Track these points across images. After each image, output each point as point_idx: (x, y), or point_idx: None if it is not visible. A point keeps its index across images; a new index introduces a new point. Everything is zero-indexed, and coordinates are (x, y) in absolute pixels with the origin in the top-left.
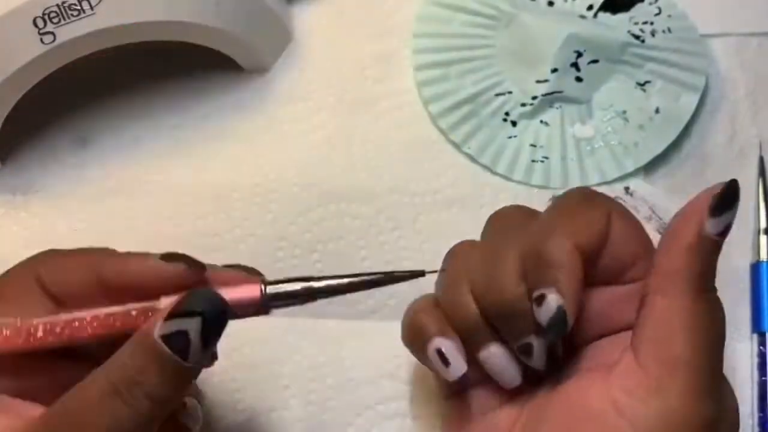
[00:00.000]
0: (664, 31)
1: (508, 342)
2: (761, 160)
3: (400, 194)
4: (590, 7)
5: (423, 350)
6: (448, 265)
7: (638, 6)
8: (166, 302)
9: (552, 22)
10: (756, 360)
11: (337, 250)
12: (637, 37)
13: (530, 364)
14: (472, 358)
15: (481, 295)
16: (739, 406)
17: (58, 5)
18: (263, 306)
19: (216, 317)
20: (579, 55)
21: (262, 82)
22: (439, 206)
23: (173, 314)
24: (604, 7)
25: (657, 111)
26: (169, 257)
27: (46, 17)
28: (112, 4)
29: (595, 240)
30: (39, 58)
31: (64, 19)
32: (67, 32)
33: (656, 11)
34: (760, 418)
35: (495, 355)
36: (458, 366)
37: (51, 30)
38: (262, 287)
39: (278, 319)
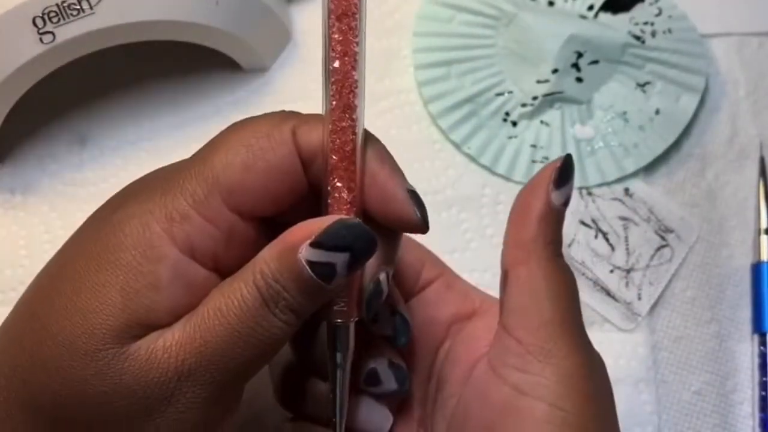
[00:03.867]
0: (664, 32)
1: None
2: (761, 160)
3: None
4: (591, 8)
5: None
6: None
7: (638, 7)
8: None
9: (553, 22)
10: (756, 360)
11: None
12: (637, 38)
13: (382, 390)
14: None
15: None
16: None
17: (57, 5)
18: (337, 324)
19: (365, 252)
20: (579, 55)
21: (262, 82)
22: (439, 206)
23: (322, 244)
24: (604, 8)
25: (657, 112)
26: (417, 202)
27: (45, 17)
28: (112, 4)
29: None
30: (38, 58)
31: (64, 19)
32: (67, 32)
33: (656, 12)
34: (761, 418)
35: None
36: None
37: (50, 30)
38: (357, 317)
39: None
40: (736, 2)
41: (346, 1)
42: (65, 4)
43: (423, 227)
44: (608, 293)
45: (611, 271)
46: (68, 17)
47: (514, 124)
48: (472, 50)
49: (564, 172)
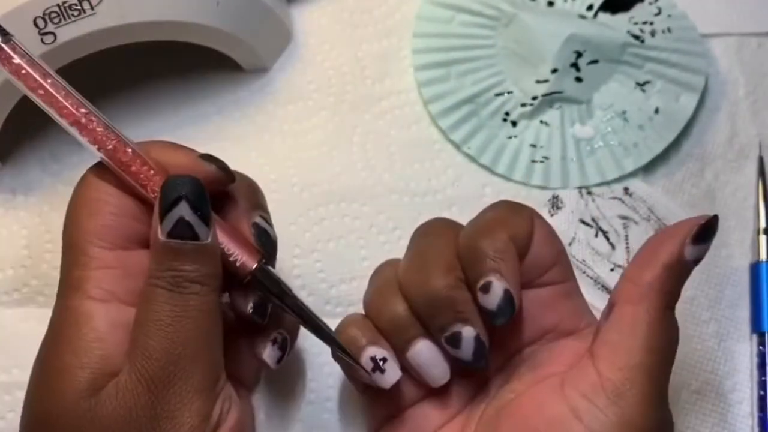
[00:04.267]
0: (663, 31)
1: (436, 338)
2: (761, 160)
3: (400, 194)
4: (590, 7)
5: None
6: (373, 278)
7: (638, 6)
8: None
9: (552, 22)
10: (756, 360)
11: (337, 249)
12: (636, 38)
13: (458, 356)
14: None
15: (409, 290)
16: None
17: (58, 5)
18: (251, 274)
19: (198, 193)
20: (579, 55)
21: (262, 82)
22: (439, 206)
23: (162, 210)
24: (604, 8)
25: (657, 111)
26: (207, 157)
27: (46, 17)
28: (113, 4)
29: (524, 238)
30: (39, 58)
31: (65, 19)
32: (68, 32)
33: (656, 11)
34: (760, 418)
35: (422, 349)
36: (392, 373)
37: (51, 30)
38: (261, 260)
39: None
40: (736, 2)
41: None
42: (66, 5)
43: (222, 175)
44: (608, 291)
45: (612, 270)
46: (69, 18)
47: (514, 124)
48: (472, 51)
49: (708, 230)
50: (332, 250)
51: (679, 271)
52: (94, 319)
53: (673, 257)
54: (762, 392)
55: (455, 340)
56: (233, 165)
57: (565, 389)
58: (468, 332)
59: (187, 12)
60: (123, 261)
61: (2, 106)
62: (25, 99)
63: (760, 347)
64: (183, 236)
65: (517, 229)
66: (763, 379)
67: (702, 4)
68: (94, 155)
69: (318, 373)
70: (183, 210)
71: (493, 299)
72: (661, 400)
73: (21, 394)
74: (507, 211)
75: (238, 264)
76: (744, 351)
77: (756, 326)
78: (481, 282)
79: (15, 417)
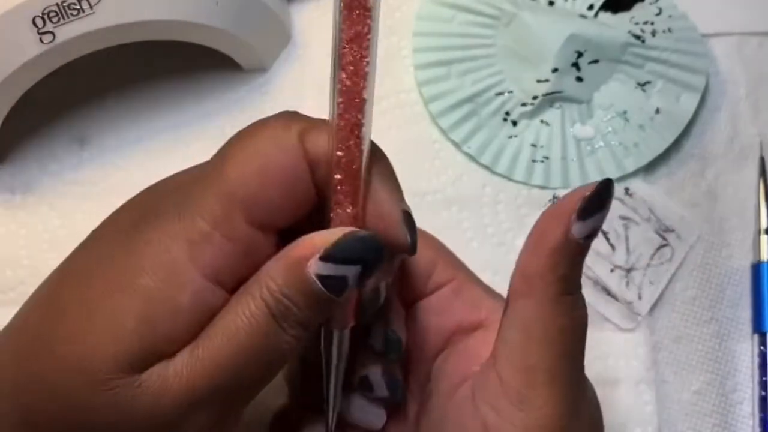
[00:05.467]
0: (664, 31)
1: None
2: (761, 160)
3: None
4: (591, 7)
5: None
6: None
7: (639, 6)
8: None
9: (553, 21)
10: (757, 360)
11: None
12: (637, 37)
13: (375, 396)
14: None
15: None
16: (597, 397)
17: (57, 5)
18: (336, 329)
19: (376, 263)
20: (580, 55)
21: (262, 82)
22: (439, 206)
23: (333, 257)
24: (604, 7)
25: (657, 111)
26: (407, 221)
27: (45, 17)
28: (112, 4)
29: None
30: (38, 58)
31: (64, 19)
32: (67, 32)
33: (657, 11)
34: (761, 418)
35: (352, 403)
36: None
37: (50, 29)
38: (354, 323)
39: None
40: (737, 2)
41: (359, 25)
42: (65, 4)
43: (411, 250)
44: (609, 293)
45: (612, 271)
46: (68, 17)
47: (514, 123)
48: (472, 50)
49: (593, 201)
50: None
51: (570, 253)
52: (184, 288)
53: (559, 239)
54: (763, 392)
55: (366, 384)
56: None
57: (476, 400)
58: (375, 373)
59: (187, 12)
60: (251, 242)
61: (2, 105)
62: (24, 99)
63: (761, 347)
64: (328, 287)
65: None
66: (764, 379)
67: (702, 4)
68: (330, 120)
69: None
70: (351, 273)
71: (377, 340)
72: (572, 393)
73: None
74: None
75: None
76: (745, 351)
77: (757, 326)
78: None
79: None
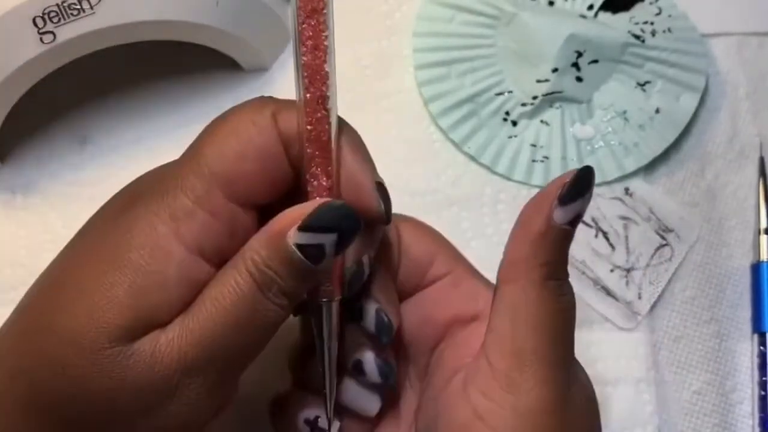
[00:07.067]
0: (664, 31)
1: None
2: (761, 160)
3: (400, 194)
4: (591, 7)
5: (294, 425)
6: None
7: (638, 6)
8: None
9: (553, 21)
10: (756, 360)
11: None
12: (637, 37)
13: (367, 380)
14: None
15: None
16: (591, 382)
17: (58, 5)
18: (324, 302)
19: (351, 231)
20: (579, 54)
21: (262, 82)
22: (439, 206)
23: (310, 227)
24: (604, 7)
25: (657, 111)
26: (381, 192)
27: (45, 17)
28: (112, 4)
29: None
30: (39, 58)
31: (64, 19)
32: (67, 32)
33: (656, 11)
34: (761, 418)
35: (347, 387)
36: (329, 424)
37: (51, 29)
38: (341, 296)
39: None
40: (736, 2)
41: (315, 1)
42: (65, 4)
43: (384, 219)
44: (608, 292)
45: (611, 271)
46: (68, 17)
47: (514, 123)
48: (472, 50)
49: (574, 186)
50: None
51: (553, 239)
52: (170, 260)
53: (542, 226)
54: (763, 392)
55: (358, 367)
56: None
57: (467, 388)
58: (368, 357)
59: (187, 12)
60: (233, 218)
61: (2, 105)
62: (25, 99)
63: (761, 347)
64: (308, 256)
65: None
66: (763, 379)
67: (702, 4)
68: (297, 96)
69: None
70: (328, 240)
71: (369, 322)
72: (561, 376)
73: None
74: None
75: (322, 288)
76: (745, 351)
77: (756, 326)
78: (356, 309)
79: None
